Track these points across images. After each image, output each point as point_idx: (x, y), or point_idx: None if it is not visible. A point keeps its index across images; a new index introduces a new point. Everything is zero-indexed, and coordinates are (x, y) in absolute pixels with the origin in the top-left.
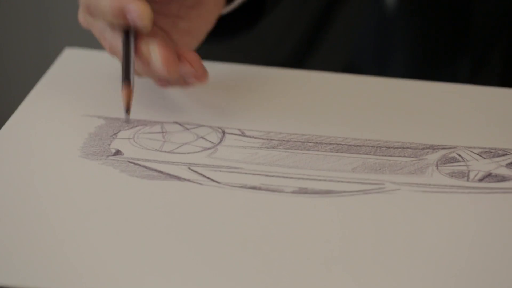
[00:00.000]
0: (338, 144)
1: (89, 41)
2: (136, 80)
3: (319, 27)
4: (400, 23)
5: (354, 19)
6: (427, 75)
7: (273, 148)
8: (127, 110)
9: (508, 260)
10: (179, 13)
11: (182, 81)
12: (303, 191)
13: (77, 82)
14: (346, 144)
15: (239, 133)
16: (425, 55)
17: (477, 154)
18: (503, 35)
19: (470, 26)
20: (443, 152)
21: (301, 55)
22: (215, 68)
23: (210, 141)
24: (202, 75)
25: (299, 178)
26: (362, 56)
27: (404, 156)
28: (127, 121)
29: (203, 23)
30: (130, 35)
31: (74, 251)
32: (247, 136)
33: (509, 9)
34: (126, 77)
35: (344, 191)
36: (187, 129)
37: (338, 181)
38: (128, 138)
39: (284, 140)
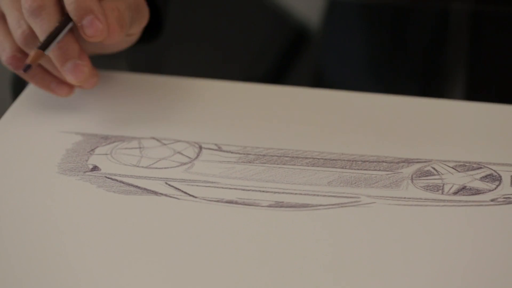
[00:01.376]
0: (314, 158)
1: None
2: (116, 96)
3: (295, 44)
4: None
5: (326, 36)
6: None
7: (250, 162)
8: (28, 65)
9: (484, 271)
10: None
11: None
12: (279, 205)
13: (54, 98)
14: (322, 158)
15: (216, 148)
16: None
17: (452, 168)
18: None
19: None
20: (418, 165)
21: (278, 71)
22: (192, 84)
23: (187, 156)
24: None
25: (275, 192)
26: (337, 71)
27: (380, 170)
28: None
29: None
30: (70, 22)
31: (50, 267)
32: (224, 151)
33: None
34: (45, 45)
35: (320, 205)
36: (164, 144)
37: (314, 195)
38: (106, 154)
39: (260, 155)
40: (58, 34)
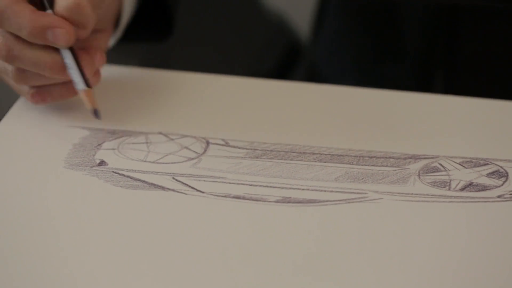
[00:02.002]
0: (321, 154)
1: None
2: (123, 90)
3: (303, 39)
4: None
5: (334, 32)
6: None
7: (257, 158)
8: (95, 111)
9: (490, 268)
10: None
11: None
12: (286, 200)
13: None
14: (329, 154)
15: (223, 143)
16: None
17: (459, 164)
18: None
19: (405, 39)
20: (425, 161)
21: (285, 66)
22: (197, 79)
23: (194, 151)
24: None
25: (282, 188)
26: (343, 67)
27: (387, 166)
28: (99, 117)
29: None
30: (72, 49)
31: (59, 262)
32: (231, 146)
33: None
34: (86, 83)
35: (328, 200)
36: (171, 139)
37: (321, 191)
38: (113, 149)
39: (267, 150)
40: (79, 63)
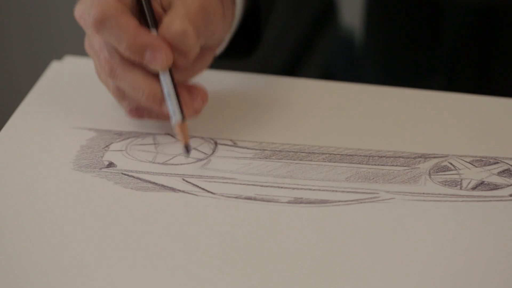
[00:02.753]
0: (330, 154)
1: (79, 51)
2: None
3: (312, 36)
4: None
5: (345, 29)
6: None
7: (266, 158)
8: (187, 147)
9: (502, 268)
10: None
11: (164, 115)
12: (298, 201)
13: (64, 94)
14: (339, 154)
15: (231, 143)
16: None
17: (469, 163)
18: (473, 46)
19: (440, 39)
20: (435, 161)
21: (294, 64)
22: (205, 77)
23: (203, 152)
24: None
25: (293, 188)
26: (332, 65)
27: (397, 165)
28: (189, 153)
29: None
30: (172, 74)
31: (68, 264)
32: (240, 147)
33: (477, 19)
34: (182, 114)
35: (339, 201)
36: (179, 140)
37: (333, 191)
38: (121, 150)
39: (276, 150)
40: (177, 94)
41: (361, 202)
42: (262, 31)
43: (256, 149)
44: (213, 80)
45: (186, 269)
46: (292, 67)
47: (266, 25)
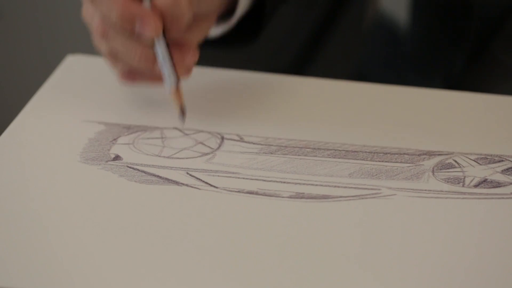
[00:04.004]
0: (335, 150)
1: (91, 48)
2: (137, 86)
3: (320, 35)
4: (403, 32)
5: (355, 28)
6: (429, 83)
7: (271, 153)
8: (183, 111)
9: (504, 265)
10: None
11: (156, 77)
12: (300, 196)
13: (78, 88)
14: (344, 150)
15: (238, 138)
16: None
17: (473, 160)
18: (503, 34)
19: (470, 29)
20: (439, 158)
21: (301, 62)
22: (214, 74)
23: (209, 147)
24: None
25: (296, 183)
26: (367, 62)
27: (401, 162)
28: (184, 118)
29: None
30: (166, 44)
31: (73, 255)
32: (246, 142)
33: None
34: (177, 78)
35: (341, 196)
36: (186, 134)
37: (335, 186)
38: (128, 144)
39: (282, 146)
40: (171, 59)
41: (362, 198)
42: (267, 19)
43: (262, 144)
44: (222, 78)
45: (187, 261)
46: (299, 66)
47: (273, 14)
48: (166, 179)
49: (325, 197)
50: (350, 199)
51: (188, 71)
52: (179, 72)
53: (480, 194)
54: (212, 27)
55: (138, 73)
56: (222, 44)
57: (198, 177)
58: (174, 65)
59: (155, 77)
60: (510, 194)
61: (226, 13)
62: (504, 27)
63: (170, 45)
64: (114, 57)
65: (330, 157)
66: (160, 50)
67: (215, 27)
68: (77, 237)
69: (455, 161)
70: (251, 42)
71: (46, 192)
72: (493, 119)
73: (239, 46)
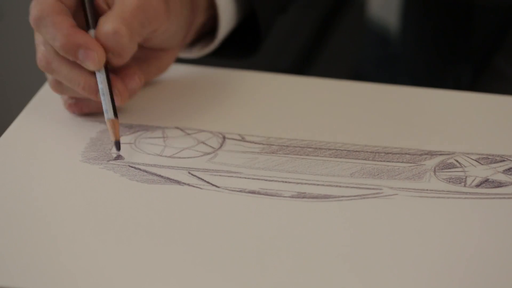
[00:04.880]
0: (337, 150)
1: None
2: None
3: (320, 35)
4: (401, 35)
5: (355, 29)
6: (429, 83)
7: (273, 153)
8: (117, 143)
9: (506, 265)
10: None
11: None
12: (301, 196)
13: None
14: (345, 150)
15: (239, 138)
16: (427, 63)
17: (475, 160)
18: (505, 41)
19: (471, 34)
20: (441, 158)
21: (302, 62)
22: (215, 74)
23: (210, 146)
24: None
25: (297, 183)
26: (363, 63)
27: (402, 162)
28: (118, 150)
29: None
30: (107, 71)
31: (75, 255)
32: (247, 141)
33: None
34: (114, 112)
35: (343, 196)
36: (188, 134)
37: (337, 186)
38: (130, 143)
39: (283, 146)
40: (110, 92)
41: (364, 198)
42: (264, 31)
43: (264, 144)
44: (223, 78)
45: (188, 261)
46: (301, 66)
47: (270, 26)
48: (168, 178)
49: (326, 196)
50: (351, 199)
51: (133, 93)
52: (120, 101)
53: (482, 194)
54: (174, 60)
55: (85, 103)
56: (221, 55)
57: (200, 176)
58: (113, 100)
59: (101, 106)
60: None
61: (210, 30)
62: (502, 30)
63: (114, 76)
64: (59, 87)
65: (331, 157)
66: (101, 83)
67: (200, 49)
68: (78, 236)
69: (457, 161)
70: (251, 55)
71: (48, 191)
72: (494, 119)
73: (239, 59)
